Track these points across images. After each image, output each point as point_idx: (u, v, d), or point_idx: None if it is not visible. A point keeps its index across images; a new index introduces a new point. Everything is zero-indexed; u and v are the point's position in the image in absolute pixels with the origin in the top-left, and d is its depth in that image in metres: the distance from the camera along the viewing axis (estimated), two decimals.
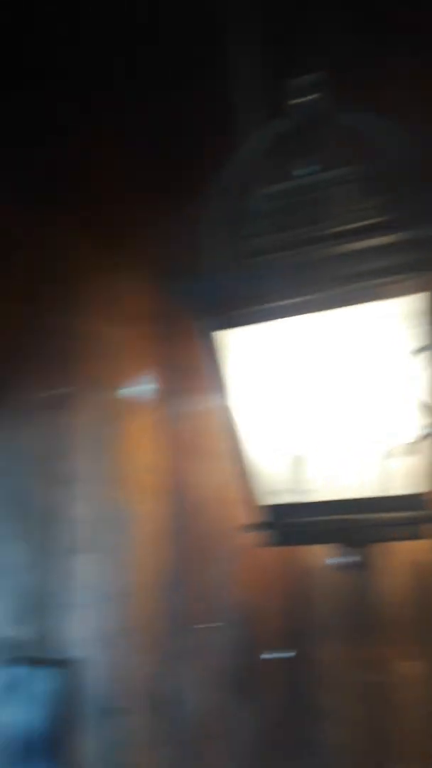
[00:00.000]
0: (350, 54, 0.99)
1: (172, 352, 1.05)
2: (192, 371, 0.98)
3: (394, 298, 0.73)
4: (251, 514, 0.78)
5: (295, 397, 0.77)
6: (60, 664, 1.09)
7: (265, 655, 0.94)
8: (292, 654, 0.93)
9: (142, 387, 1.08)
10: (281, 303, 0.73)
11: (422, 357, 0.72)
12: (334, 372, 0.77)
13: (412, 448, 0.75)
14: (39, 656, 1.10)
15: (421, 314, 0.73)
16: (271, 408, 0.78)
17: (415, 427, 0.74)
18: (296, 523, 0.77)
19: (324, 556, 0.89)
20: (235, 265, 0.75)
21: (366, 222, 0.73)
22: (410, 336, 0.75)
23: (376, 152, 0.82)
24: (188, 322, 0.76)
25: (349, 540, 0.76)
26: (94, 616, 1.07)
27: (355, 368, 0.76)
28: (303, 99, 0.80)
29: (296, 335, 0.77)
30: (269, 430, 0.78)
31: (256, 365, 0.77)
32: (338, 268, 0.71)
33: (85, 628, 1.07)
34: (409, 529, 0.74)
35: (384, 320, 0.76)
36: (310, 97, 0.80)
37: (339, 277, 0.71)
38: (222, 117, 1.02)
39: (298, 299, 0.72)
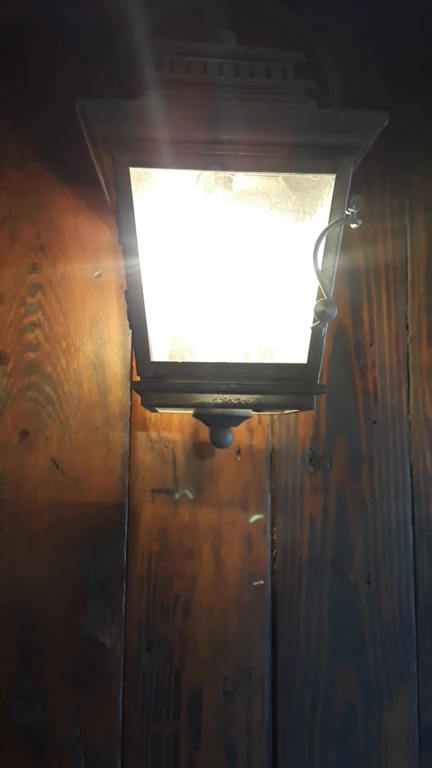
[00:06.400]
0: None
1: None
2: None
3: (302, 174, 0.74)
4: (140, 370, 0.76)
5: (195, 255, 0.77)
6: None
7: None
8: None
9: None
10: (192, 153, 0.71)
11: (324, 238, 0.73)
12: (238, 238, 0.77)
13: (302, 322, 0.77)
14: None
15: (329, 194, 0.74)
16: (170, 263, 0.77)
17: (307, 301, 0.75)
18: (180, 384, 0.75)
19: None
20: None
21: (283, 97, 0.74)
22: (314, 215, 0.77)
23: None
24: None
25: (233, 406, 0.76)
26: None
27: (258, 238, 0.77)
28: None
29: (209, 194, 0.76)
30: (165, 285, 0.77)
31: (167, 214, 0.76)
32: (250, 133, 0.70)
33: None
34: (301, 399, 0.75)
35: (293, 195, 0.77)
36: None
37: (250, 142, 0.71)
38: None
39: (209, 153, 0.71)
